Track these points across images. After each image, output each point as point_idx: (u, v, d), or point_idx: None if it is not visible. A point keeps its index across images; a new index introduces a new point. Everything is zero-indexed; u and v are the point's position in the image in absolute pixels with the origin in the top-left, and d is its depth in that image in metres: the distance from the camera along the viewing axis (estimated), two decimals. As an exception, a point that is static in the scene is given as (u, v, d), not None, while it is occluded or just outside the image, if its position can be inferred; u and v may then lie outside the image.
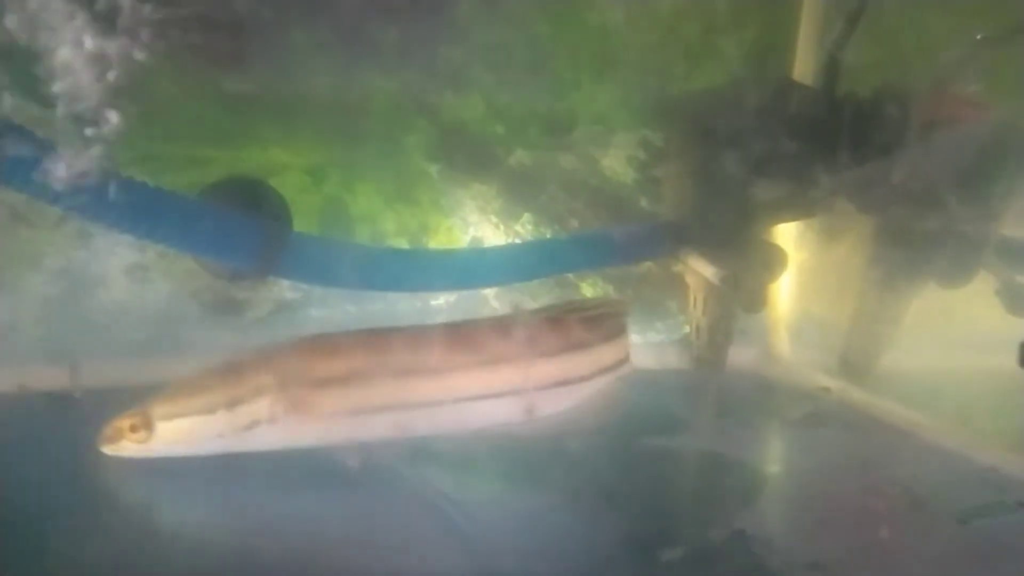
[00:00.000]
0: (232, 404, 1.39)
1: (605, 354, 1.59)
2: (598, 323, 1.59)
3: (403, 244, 1.99)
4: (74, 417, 1.64)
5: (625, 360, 1.64)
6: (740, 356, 2.13)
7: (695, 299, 2.04)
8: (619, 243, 1.96)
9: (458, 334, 1.49)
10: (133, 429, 1.39)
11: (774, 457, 1.78)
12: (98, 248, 1.80)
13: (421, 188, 2.03)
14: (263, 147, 1.90)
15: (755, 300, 2.01)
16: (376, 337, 1.47)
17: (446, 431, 1.47)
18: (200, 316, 1.92)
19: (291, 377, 1.39)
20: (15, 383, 1.70)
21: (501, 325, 1.53)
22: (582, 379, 1.55)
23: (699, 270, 1.96)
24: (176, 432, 1.40)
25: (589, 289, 2.10)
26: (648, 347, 2.09)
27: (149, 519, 1.35)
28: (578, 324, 1.56)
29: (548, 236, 2.07)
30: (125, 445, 1.40)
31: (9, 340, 1.74)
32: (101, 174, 1.32)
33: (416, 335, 1.48)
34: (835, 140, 1.87)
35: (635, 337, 1.83)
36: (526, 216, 2.06)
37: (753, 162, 1.89)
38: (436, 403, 1.44)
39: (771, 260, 2.00)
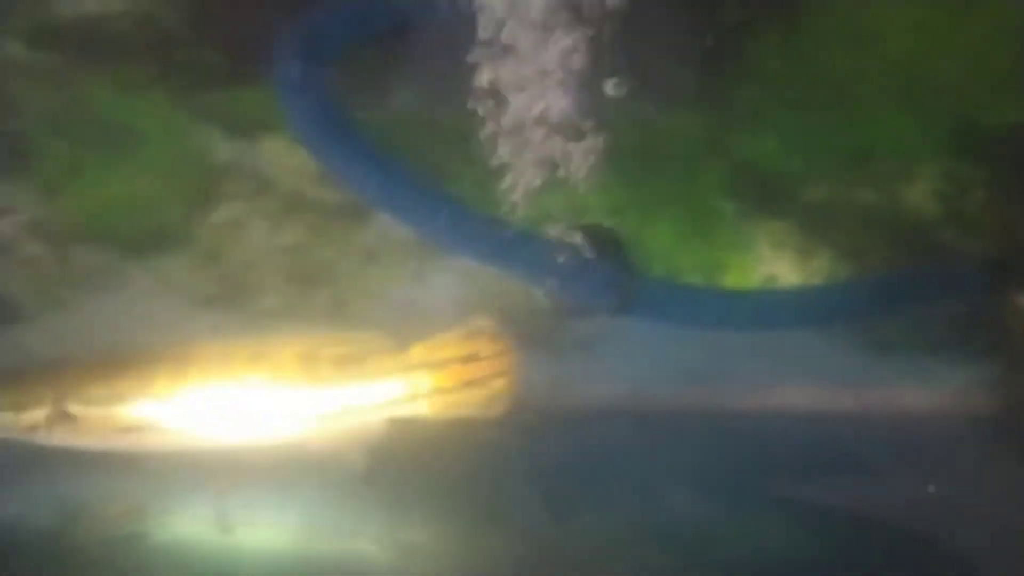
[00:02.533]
0: (17, 408, 1.59)
1: None
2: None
3: (698, 281, 2.08)
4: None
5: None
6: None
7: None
8: (946, 281, 1.91)
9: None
10: None
11: None
12: (432, 284, 2.09)
13: (716, 225, 2.11)
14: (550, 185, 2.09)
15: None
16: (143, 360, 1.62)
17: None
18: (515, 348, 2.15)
19: (65, 393, 1.57)
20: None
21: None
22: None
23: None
24: None
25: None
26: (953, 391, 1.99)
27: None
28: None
29: (855, 273, 2.06)
30: None
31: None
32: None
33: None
34: None
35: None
36: (823, 252, 2.05)
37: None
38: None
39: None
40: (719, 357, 2.09)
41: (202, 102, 1.87)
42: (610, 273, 1.67)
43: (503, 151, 1.72)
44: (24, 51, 1.79)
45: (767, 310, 1.90)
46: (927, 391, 1.99)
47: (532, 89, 1.59)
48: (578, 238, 1.72)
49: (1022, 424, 1.92)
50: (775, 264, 2.08)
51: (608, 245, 1.74)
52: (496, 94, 1.64)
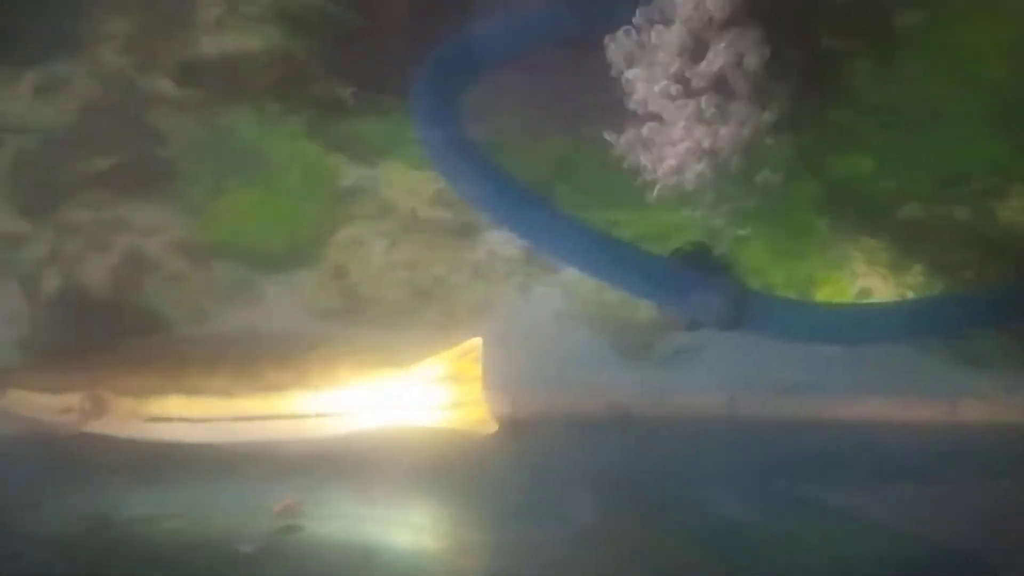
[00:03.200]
0: (53, 391, 1.69)
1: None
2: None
3: (792, 296, 2.15)
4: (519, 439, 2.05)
5: None
6: None
7: None
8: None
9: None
10: None
11: None
12: (535, 298, 2.21)
13: (809, 241, 2.18)
14: (667, 208, 2.18)
15: None
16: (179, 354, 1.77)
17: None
18: (614, 358, 2.25)
19: (101, 381, 1.68)
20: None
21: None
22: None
23: None
24: (20, 401, 1.73)
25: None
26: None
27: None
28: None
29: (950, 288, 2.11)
30: None
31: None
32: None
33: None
34: None
35: None
36: (916, 268, 2.11)
37: None
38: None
39: None
40: (814, 368, 2.18)
41: (331, 131, 2.02)
42: (725, 288, 1.77)
43: (624, 171, 1.83)
44: (172, 87, 1.96)
45: (871, 324, 1.97)
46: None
47: (650, 114, 1.68)
48: (690, 254, 1.82)
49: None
50: (869, 279, 2.15)
51: (715, 261, 1.83)
52: (614, 119, 1.75)
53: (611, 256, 1.73)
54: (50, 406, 1.72)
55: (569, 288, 2.22)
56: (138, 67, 1.92)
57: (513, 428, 2.10)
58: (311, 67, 1.95)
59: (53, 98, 1.91)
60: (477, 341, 1.82)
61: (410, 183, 2.09)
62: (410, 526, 1.71)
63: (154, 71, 1.95)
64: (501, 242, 2.17)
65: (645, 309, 2.22)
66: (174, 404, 1.71)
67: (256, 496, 1.69)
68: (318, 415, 1.76)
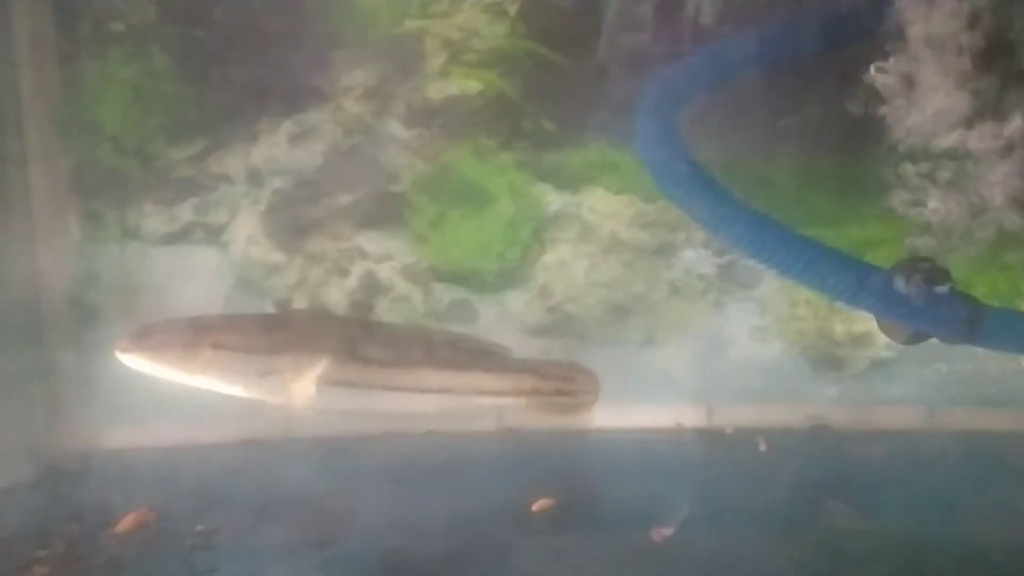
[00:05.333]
0: (268, 351, 1.61)
1: None
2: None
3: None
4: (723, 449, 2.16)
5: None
6: None
7: None
8: None
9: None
10: (184, 347, 1.60)
11: None
12: (729, 314, 2.31)
13: (1014, 252, 2.15)
14: (862, 224, 2.23)
15: None
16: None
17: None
18: (807, 371, 2.31)
19: (326, 345, 1.63)
20: (674, 421, 2.25)
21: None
22: None
23: None
24: (215, 361, 1.61)
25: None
26: None
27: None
28: None
29: None
30: (153, 357, 1.59)
31: (667, 386, 2.29)
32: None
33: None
34: None
35: None
36: None
37: None
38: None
39: None
40: (1012, 380, 2.15)
41: (538, 162, 2.23)
42: (954, 300, 1.78)
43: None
44: (402, 128, 2.23)
45: None
46: None
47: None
48: (915, 267, 1.85)
49: None
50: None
51: (941, 274, 1.85)
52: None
53: (835, 268, 1.77)
54: (250, 368, 1.65)
55: (764, 304, 2.32)
56: (374, 113, 2.20)
57: (710, 439, 2.21)
58: (521, 105, 2.16)
59: (304, 144, 2.23)
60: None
61: (610, 207, 2.26)
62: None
63: (388, 116, 2.23)
64: (696, 260, 2.30)
65: (841, 323, 2.27)
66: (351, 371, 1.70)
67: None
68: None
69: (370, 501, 1.85)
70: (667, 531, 1.67)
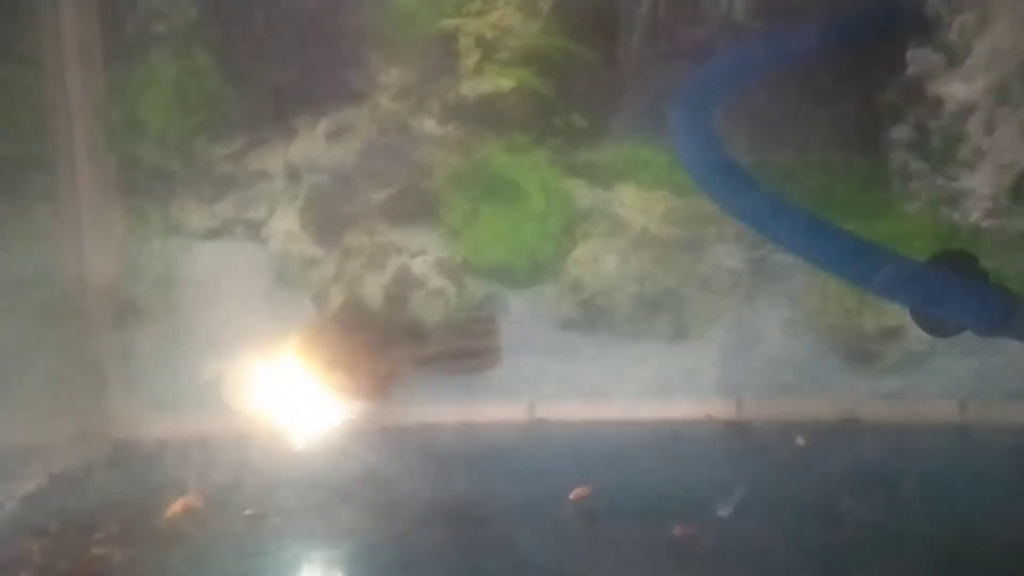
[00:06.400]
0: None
1: None
2: None
3: None
4: (749, 442, 2.18)
5: None
6: None
7: None
8: None
9: None
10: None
11: None
12: (760, 308, 2.33)
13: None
14: (897, 218, 2.24)
15: None
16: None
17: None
18: (839, 365, 2.32)
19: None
20: (704, 413, 2.25)
21: None
22: None
23: None
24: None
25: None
26: None
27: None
28: None
29: None
30: None
31: (698, 380, 2.31)
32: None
33: None
34: None
35: None
36: None
37: None
38: None
39: None
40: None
41: (570, 158, 2.26)
42: (989, 293, 1.78)
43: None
44: (436, 126, 2.28)
45: None
46: None
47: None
48: (951, 259, 1.86)
49: None
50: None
51: (976, 267, 1.86)
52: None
53: (870, 261, 1.78)
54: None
55: (794, 298, 2.33)
56: (409, 111, 2.26)
57: (736, 431, 2.22)
58: (554, 102, 2.20)
59: (341, 141, 2.28)
60: None
61: (641, 202, 2.29)
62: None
63: (422, 113, 2.27)
64: (726, 255, 2.32)
65: (872, 317, 2.28)
66: None
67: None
68: None
69: (408, 489, 1.89)
70: (690, 529, 1.69)
